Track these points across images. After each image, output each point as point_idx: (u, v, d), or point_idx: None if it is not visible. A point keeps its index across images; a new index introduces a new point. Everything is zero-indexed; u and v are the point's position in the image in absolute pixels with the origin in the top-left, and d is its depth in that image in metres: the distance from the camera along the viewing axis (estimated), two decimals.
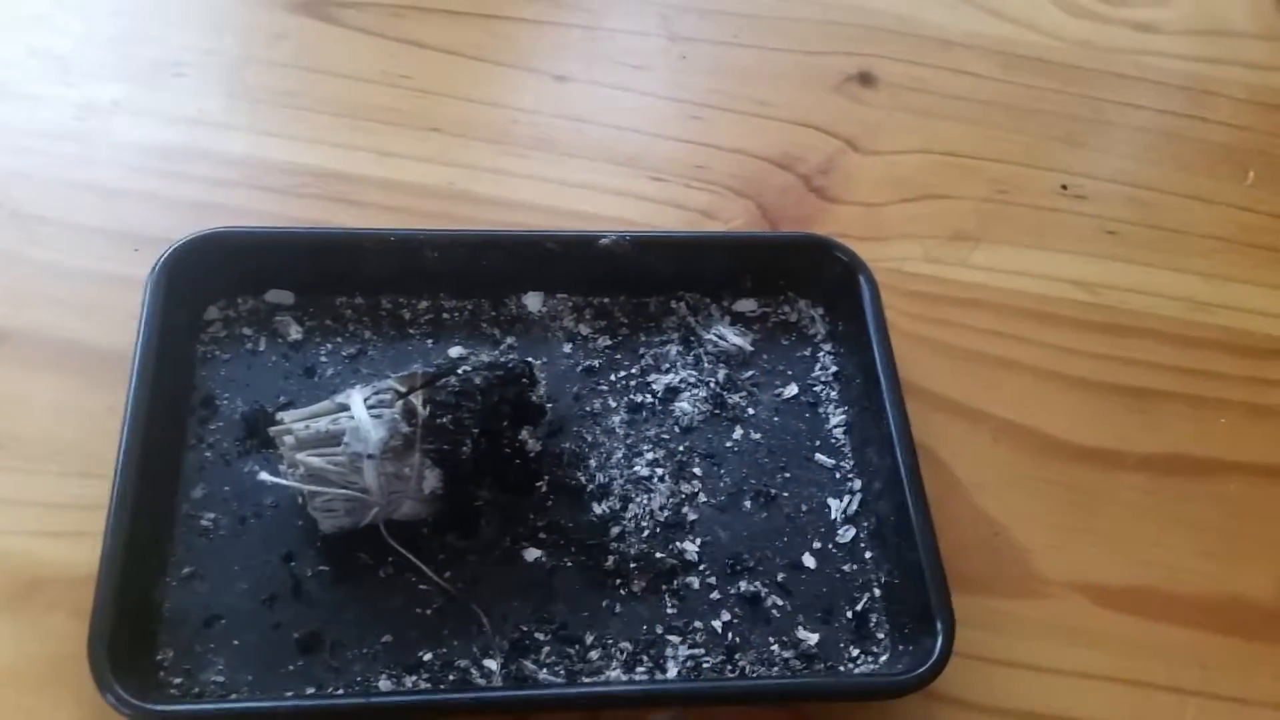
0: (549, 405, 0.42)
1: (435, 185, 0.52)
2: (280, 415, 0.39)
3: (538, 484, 0.41)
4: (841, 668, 0.40)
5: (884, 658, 0.40)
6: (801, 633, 0.40)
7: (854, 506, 0.44)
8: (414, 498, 0.39)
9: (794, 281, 0.49)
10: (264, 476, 0.38)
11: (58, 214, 0.49)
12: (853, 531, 0.43)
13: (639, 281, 0.48)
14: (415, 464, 0.38)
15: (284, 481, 0.38)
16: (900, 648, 0.40)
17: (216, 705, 0.36)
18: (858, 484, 0.44)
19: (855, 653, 0.40)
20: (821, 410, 0.46)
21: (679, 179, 0.54)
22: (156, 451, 0.40)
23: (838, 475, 0.45)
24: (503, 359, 0.42)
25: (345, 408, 0.38)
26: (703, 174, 0.54)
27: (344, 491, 0.37)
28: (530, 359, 0.42)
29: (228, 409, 0.43)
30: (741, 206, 0.53)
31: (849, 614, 0.41)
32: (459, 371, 0.39)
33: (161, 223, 0.48)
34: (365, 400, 0.38)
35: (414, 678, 0.38)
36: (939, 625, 0.38)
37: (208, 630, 0.38)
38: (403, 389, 0.39)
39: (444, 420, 0.38)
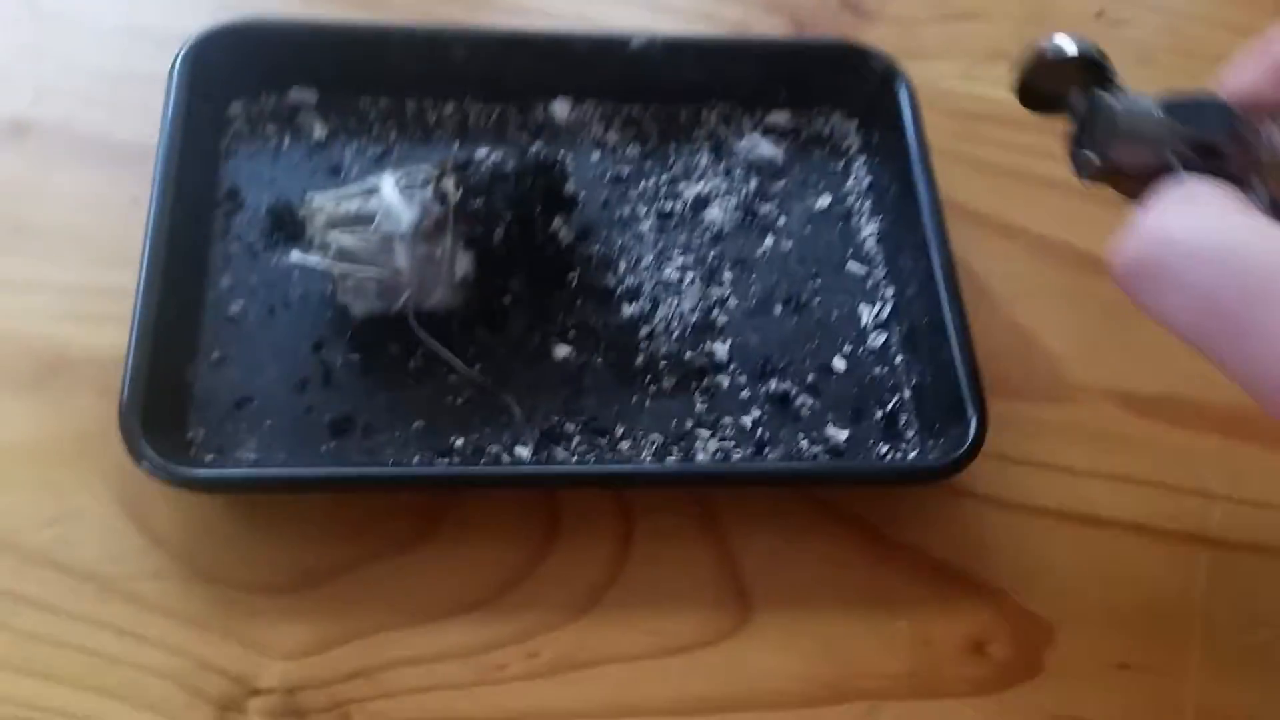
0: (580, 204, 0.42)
1: None
2: (310, 195, 0.39)
3: (569, 276, 0.41)
4: (871, 464, 0.40)
5: (912, 454, 0.41)
6: (830, 430, 0.41)
7: (885, 312, 0.44)
8: (445, 284, 0.39)
9: (829, 93, 0.48)
10: (294, 255, 0.38)
11: (78, 10, 0.48)
12: (884, 336, 0.43)
13: (669, 89, 0.47)
14: (447, 247, 0.38)
15: (313, 260, 0.38)
16: (930, 442, 0.40)
17: (257, 471, 0.36)
18: (890, 291, 0.44)
19: (884, 449, 0.41)
20: (854, 221, 0.46)
21: None
22: (183, 241, 0.40)
23: (869, 283, 0.45)
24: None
25: (376, 190, 0.38)
26: None
27: (374, 272, 0.38)
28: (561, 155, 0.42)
29: (252, 203, 0.43)
30: (774, 23, 0.52)
31: (878, 414, 0.41)
32: (491, 158, 0.39)
33: (185, 21, 0.47)
34: (397, 182, 0.38)
35: (446, 460, 0.38)
36: (970, 415, 0.39)
37: (239, 411, 0.38)
38: (435, 172, 0.39)
39: (477, 204, 0.38)
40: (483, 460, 0.39)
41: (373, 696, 0.36)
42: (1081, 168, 0.33)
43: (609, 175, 0.46)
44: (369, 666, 0.36)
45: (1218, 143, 0.31)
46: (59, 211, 0.43)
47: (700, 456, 0.39)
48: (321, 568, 0.37)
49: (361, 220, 0.38)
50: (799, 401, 0.41)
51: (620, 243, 0.44)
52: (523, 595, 0.38)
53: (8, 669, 0.35)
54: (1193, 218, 0.28)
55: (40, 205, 0.43)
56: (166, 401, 0.37)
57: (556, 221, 0.39)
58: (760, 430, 0.40)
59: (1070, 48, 0.32)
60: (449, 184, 0.38)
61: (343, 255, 0.37)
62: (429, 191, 0.38)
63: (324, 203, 0.38)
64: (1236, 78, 0.32)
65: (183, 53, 0.43)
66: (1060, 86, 0.33)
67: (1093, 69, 0.32)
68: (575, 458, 0.39)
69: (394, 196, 0.38)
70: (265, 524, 0.38)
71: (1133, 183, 0.32)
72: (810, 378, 0.42)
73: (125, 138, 0.44)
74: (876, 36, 0.53)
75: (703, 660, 0.37)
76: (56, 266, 0.42)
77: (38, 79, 0.46)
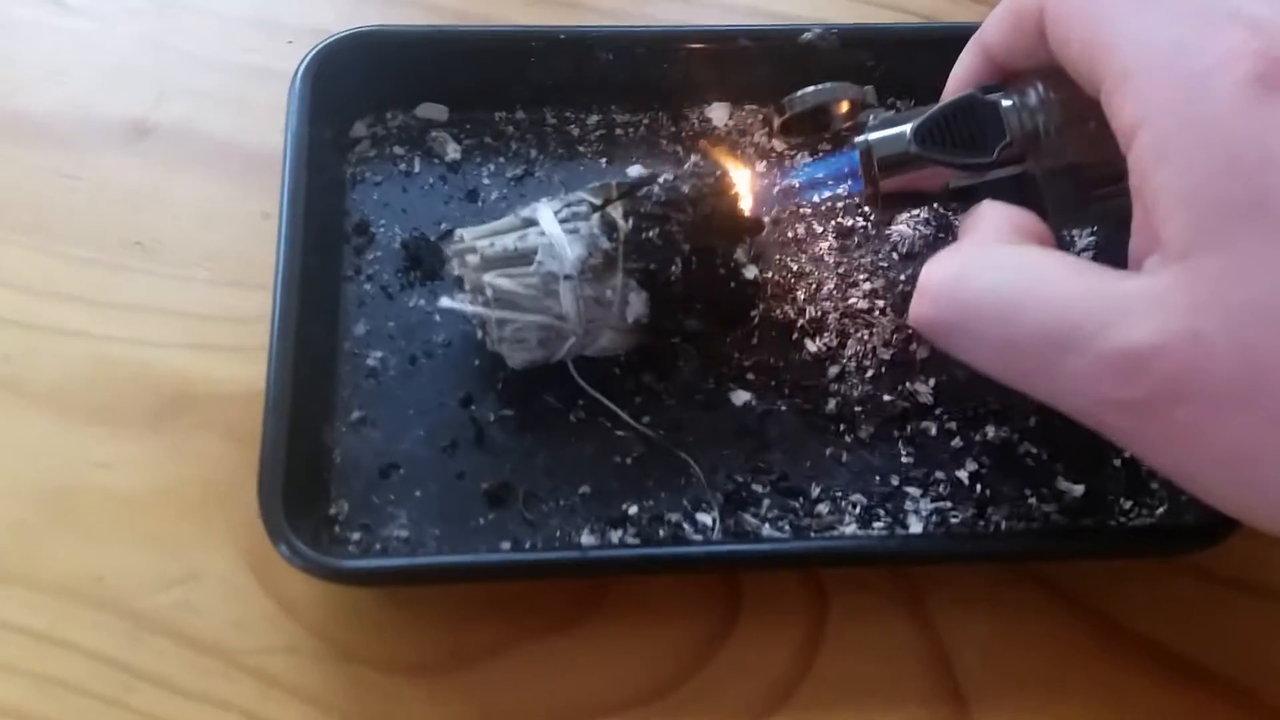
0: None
1: None
2: (458, 232, 0.35)
3: (753, 312, 0.37)
4: (1113, 522, 0.35)
5: (1160, 509, 0.35)
6: (1063, 483, 0.36)
7: None
8: (614, 327, 0.34)
9: None
10: (444, 302, 0.34)
11: (202, 1, 0.45)
12: None
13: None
14: (618, 286, 0.34)
15: (468, 308, 0.34)
16: (1182, 496, 0.35)
17: (409, 560, 0.33)
18: None
19: (1127, 505, 0.35)
20: (1069, 231, 0.41)
21: None
22: (315, 284, 0.36)
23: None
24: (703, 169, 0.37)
25: (533, 223, 0.34)
26: None
27: (537, 318, 0.33)
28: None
29: (385, 237, 0.39)
30: (973, 11, 0.47)
31: (1116, 461, 0.36)
32: (661, 180, 0.35)
33: (317, 13, 0.44)
34: (556, 213, 0.34)
35: (619, 532, 0.34)
36: None
37: (384, 480, 0.35)
38: (598, 201, 0.34)
39: (650, 234, 0.34)
40: (662, 530, 0.34)
41: None
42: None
43: (777, 188, 0.41)
44: None
45: (978, 161, 0.32)
46: (182, 225, 0.40)
47: (913, 521, 0.35)
48: (471, 649, 0.33)
49: (519, 259, 0.33)
50: (1022, 449, 0.36)
51: (797, 267, 0.39)
52: (699, 689, 0.33)
53: None
54: (974, 274, 0.29)
55: (162, 217, 0.40)
56: (307, 473, 0.33)
57: (739, 252, 0.35)
58: (979, 486, 0.36)
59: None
60: (617, 213, 0.34)
61: (500, 300, 0.33)
62: (594, 223, 0.34)
63: (475, 240, 0.34)
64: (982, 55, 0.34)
65: (302, 68, 0.39)
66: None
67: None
68: (767, 525, 0.35)
69: (555, 230, 0.33)
70: (410, 598, 0.34)
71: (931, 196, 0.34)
72: (1032, 420, 0.37)
73: (255, 142, 0.41)
74: None
75: None
76: (179, 288, 0.39)
77: (160, 76, 0.43)
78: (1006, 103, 0.32)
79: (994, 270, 0.29)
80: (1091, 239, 0.40)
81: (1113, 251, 0.36)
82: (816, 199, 0.38)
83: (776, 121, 0.39)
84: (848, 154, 0.35)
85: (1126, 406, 0.26)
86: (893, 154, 0.33)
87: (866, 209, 0.40)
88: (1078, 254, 0.39)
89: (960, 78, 0.34)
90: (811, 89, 0.37)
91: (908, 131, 0.33)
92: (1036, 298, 0.28)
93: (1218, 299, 0.25)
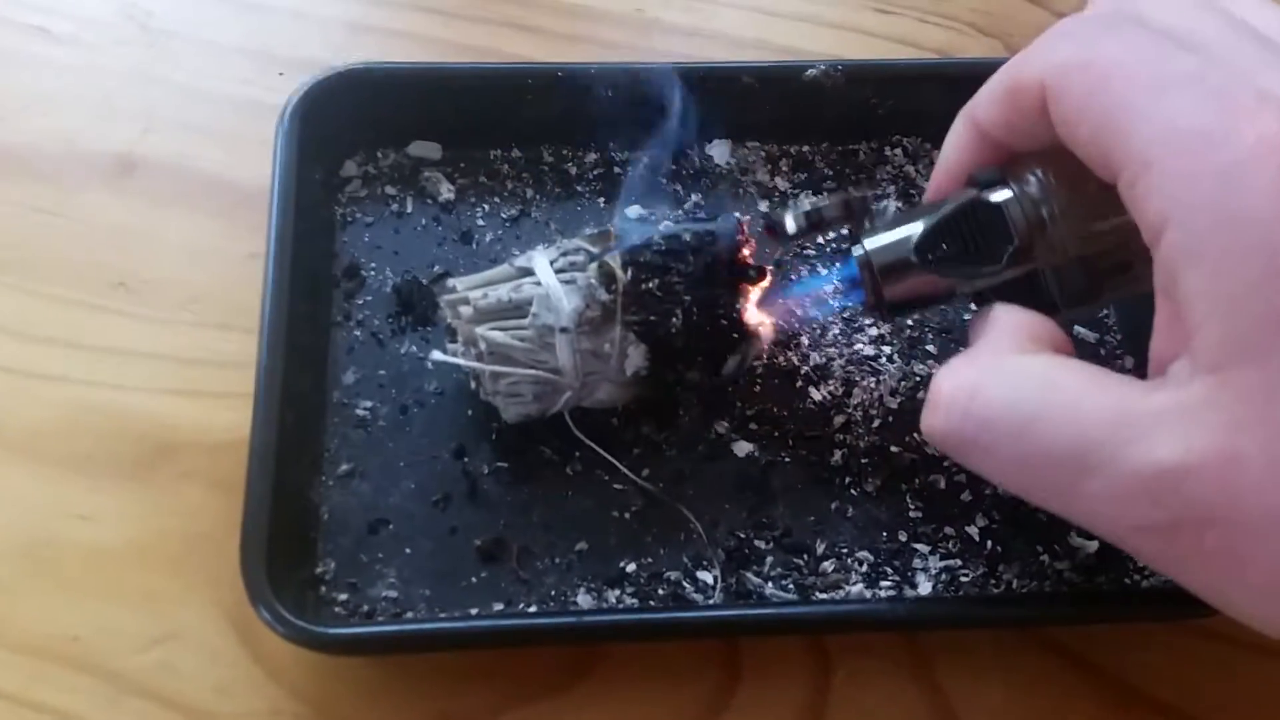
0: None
1: (620, 12, 0.46)
2: (451, 282, 0.34)
3: (756, 364, 0.36)
4: (1126, 579, 0.34)
5: None
6: (1076, 539, 0.35)
7: None
8: (612, 380, 0.34)
9: None
10: (436, 355, 0.34)
11: (193, 29, 0.44)
12: None
13: (847, 124, 0.42)
14: (616, 339, 0.33)
15: (460, 362, 0.33)
16: None
17: (395, 627, 0.32)
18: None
19: (1141, 562, 0.35)
20: None
21: (912, 11, 0.47)
22: (303, 329, 0.35)
23: (1102, 351, 0.39)
24: (702, 216, 0.36)
25: (528, 272, 0.33)
26: (941, 6, 0.48)
27: (532, 372, 0.33)
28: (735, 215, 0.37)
29: (376, 280, 0.38)
30: (986, 46, 0.47)
31: None
32: (661, 228, 0.34)
33: (309, 44, 0.44)
34: (552, 263, 0.33)
35: (617, 591, 0.33)
36: None
37: (373, 537, 0.34)
38: (595, 249, 0.34)
39: (650, 286, 0.33)
40: (661, 589, 0.33)
41: None
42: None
43: (777, 262, 0.40)
44: None
45: (987, 270, 0.31)
46: (167, 265, 0.39)
47: (922, 580, 0.34)
48: (460, 713, 0.32)
49: (514, 311, 0.33)
50: (1032, 505, 0.35)
51: (800, 312, 0.39)
52: None
53: None
54: (989, 388, 0.28)
55: (146, 257, 0.39)
56: (292, 530, 0.33)
57: (741, 301, 0.34)
58: (990, 542, 0.35)
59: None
60: (615, 263, 0.33)
61: (494, 354, 0.33)
62: (592, 273, 0.33)
63: (468, 290, 0.33)
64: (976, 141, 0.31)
65: (291, 106, 0.38)
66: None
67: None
68: (770, 584, 0.34)
69: (551, 281, 0.33)
70: (397, 663, 0.33)
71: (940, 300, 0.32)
72: None
73: (243, 178, 0.41)
74: None
75: None
76: (163, 331, 0.38)
77: (148, 108, 0.42)
78: (1008, 198, 0.30)
79: (1009, 384, 0.27)
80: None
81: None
82: (819, 314, 0.36)
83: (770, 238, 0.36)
84: (846, 264, 0.33)
85: (1152, 529, 0.25)
86: (894, 263, 0.31)
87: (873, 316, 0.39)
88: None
89: (953, 158, 0.32)
90: (808, 203, 0.35)
91: (909, 241, 0.31)
92: (1054, 414, 0.26)
93: (1256, 417, 0.23)
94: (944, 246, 0.31)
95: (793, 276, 0.39)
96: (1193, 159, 0.24)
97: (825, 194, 0.37)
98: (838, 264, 0.33)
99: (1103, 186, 0.27)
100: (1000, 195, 0.30)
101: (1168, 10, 0.27)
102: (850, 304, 0.34)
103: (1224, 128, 0.24)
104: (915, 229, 0.31)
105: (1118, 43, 0.26)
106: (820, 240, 0.40)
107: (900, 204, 0.41)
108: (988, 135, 0.31)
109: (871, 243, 0.32)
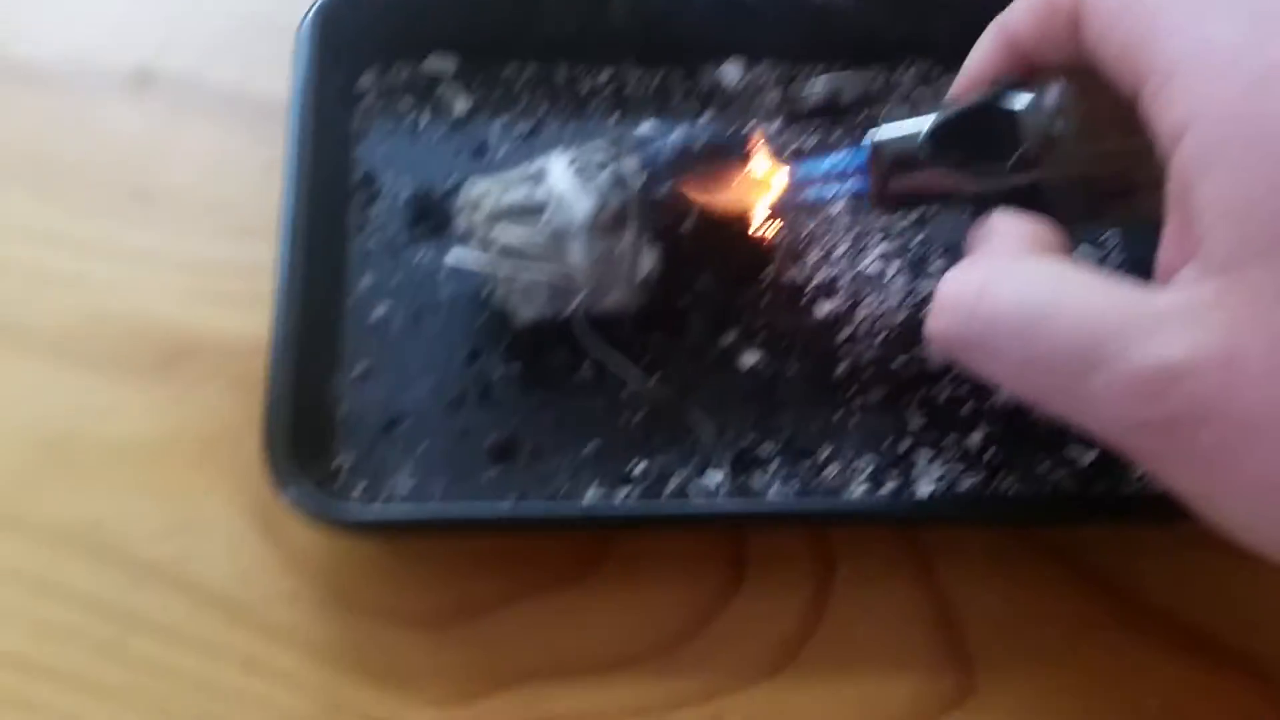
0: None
1: None
2: (468, 183, 0.35)
3: (765, 271, 0.37)
4: (1125, 489, 0.36)
5: None
6: (1073, 450, 0.36)
7: None
8: (624, 284, 0.35)
9: None
10: (452, 257, 0.35)
11: None
12: None
13: (859, 46, 0.43)
14: (630, 241, 0.34)
15: (474, 262, 0.34)
16: None
17: (415, 509, 0.33)
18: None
19: (1139, 472, 0.36)
20: None
21: None
22: (320, 236, 0.36)
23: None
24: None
25: (544, 175, 0.34)
26: None
27: (546, 272, 0.34)
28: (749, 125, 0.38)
29: (391, 190, 0.39)
30: None
31: None
32: (676, 134, 0.35)
33: None
34: (568, 166, 0.34)
35: (626, 489, 0.35)
36: None
37: (389, 434, 0.35)
38: (611, 154, 0.35)
39: (663, 189, 0.34)
40: (668, 489, 0.35)
41: None
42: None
43: (790, 149, 0.41)
44: None
45: (992, 171, 0.31)
46: (186, 175, 0.40)
47: (923, 485, 0.35)
48: (473, 602, 0.34)
49: (529, 211, 0.34)
50: (1033, 415, 0.37)
51: (808, 229, 0.40)
52: (703, 647, 0.34)
53: (116, 700, 0.32)
54: (995, 289, 0.28)
55: (166, 167, 0.40)
56: (311, 424, 0.34)
57: (751, 209, 0.35)
58: (990, 452, 0.36)
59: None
60: (630, 166, 0.34)
61: (508, 253, 0.34)
62: (607, 175, 0.34)
63: (485, 191, 0.34)
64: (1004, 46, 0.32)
65: (309, 17, 0.39)
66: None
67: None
68: (775, 486, 0.35)
69: (567, 182, 0.34)
70: (413, 550, 0.35)
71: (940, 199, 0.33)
72: None
73: (259, 91, 0.42)
74: None
75: None
76: (184, 238, 0.39)
77: (164, 23, 0.43)
78: (1025, 105, 0.31)
79: (1016, 285, 0.28)
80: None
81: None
82: (821, 196, 0.37)
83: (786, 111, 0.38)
84: (855, 150, 0.34)
85: (1150, 426, 0.25)
86: (903, 154, 0.32)
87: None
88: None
89: (978, 66, 0.33)
90: (824, 76, 0.36)
91: (920, 133, 0.32)
92: (1061, 313, 0.27)
93: (1260, 317, 0.24)
94: (955, 142, 0.32)
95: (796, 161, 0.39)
96: (1220, 68, 0.25)
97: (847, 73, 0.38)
98: (847, 150, 0.34)
99: (1121, 107, 0.28)
100: (1018, 100, 0.31)
101: None
102: (855, 191, 0.34)
103: (1257, 42, 0.25)
104: (929, 121, 0.32)
105: None
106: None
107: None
108: (1017, 46, 0.32)
109: (882, 132, 0.33)
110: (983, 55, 0.33)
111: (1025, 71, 0.32)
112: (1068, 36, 0.29)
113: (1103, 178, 0.31)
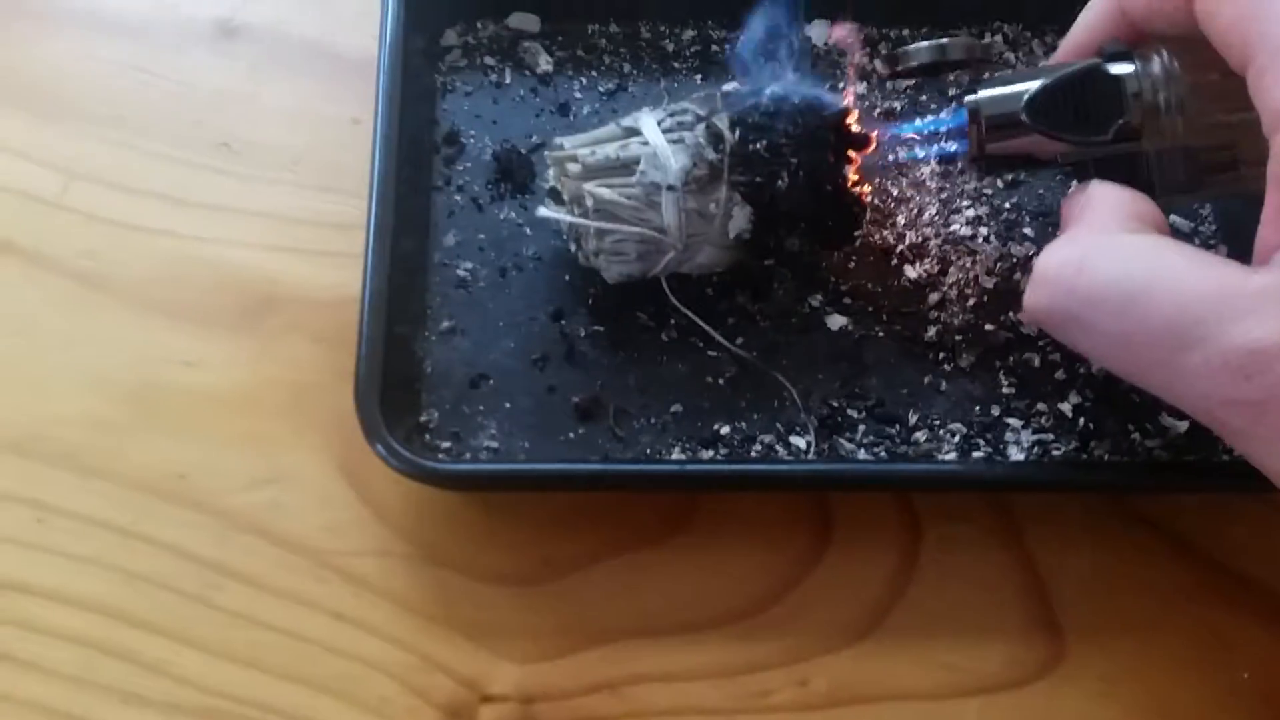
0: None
1: None
2: (558, 140, 0.35)
3: (857, 232, 0.37)
4: (1216, 459, 0.35)
5: None
6: (1167, 419, 0.36)
7: None
8: (715, 243, 0.35)
9: None
10: (543, 211, 0.35)
11: None
12: None
13: (947, 9, 0.42)
14: (722, 199, 0.34)
15: (566, 218, 0.34)
16: None
17: (506, 465, 0.33)
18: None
19: None
20: None
21: None
22: (407, 192, 0.37)
23: (1197, 241, 0.39)
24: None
25: (635, 132, 0.34)
26: None
27: (637, 230, 0.34)
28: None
29: (475, 148, 0.39)
30: None
31: None
32: (769, 92, 0.34)
33: None
34: (659, 123, 0.34)
35: (711, 452, 0.35)
36: None
37: (474, 391, 0.35)
38: (703, 111, 0.34)
39: (757, 146, 0.34)
40: (754, 452, 0.35)
41: (619, 716, 0.33)
42: (968, 164, 0.35)
43: (878, 110, 0.41)
44: (614, 679, 0.33)
45: (1092, 139, 0.31)
46: (270, 128, 0.41)
47: (1014, 452, 0.35)
48: (559, 560, 0.34)
49: (620, 169, 0.34)
50: (1126, 384, 0.36)
51: (897, 192, 0.39)
52: (789, 609, 0.34)
53: (207, 651, 0.33)
54: (1095, 265, 0.28)
55: (250, 120, 0.41)
56: (399, 379, 0.34)
57: (846, 169, 0.35)
58: (1082, 420, 0.36)
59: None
60: (723, 124, 0.34)
61: (599, 210, 0.34)
62: (700, 133, 0.34)
63: (576, 148, 0.34)
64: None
65: None
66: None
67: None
68: (863, 450, 0.35)
69: (659, 140, 0.33)
70: (500, 506, 0.35)
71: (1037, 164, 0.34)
72: None
73: (343, 46, 0.42)
74: None
75: (1008, 704, 0.33)
76: (269, 190, 0.39)
77: None
78: (1129, 74, 0.31)
79: (1116, 260, 0.28)
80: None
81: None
82: (919, 155, 0.37)
83: (886, 71, 0.39)
84: (956, 112, 0.34)
85: (1242, 405, 0.26)
86: (1002, 117, 0.32)
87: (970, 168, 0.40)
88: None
89: (1085, 32, 0.33)
90: (926, 44, 0.35)
91: (1021, 96, 0.32)
92: (1159, 291, 0.27)
93: None
94: (1056, 108, 0.31)
95: (896, 121, 0.39)
96: None
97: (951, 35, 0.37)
98: (948, 110, 0.34)
99: (1227, 81, 0.28)
100: (1122, 68, 0.31)
101: None
102: (953, 152, 0.34)
103: None
104: (1030, 86, 0.32)
105: None
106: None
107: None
108: (1126, 14, 0.31)
109: (985, 93, 0.33)
110: (1091, 21, 0.33)
111: (1131, 40, 0.32)
112: (1181, 8, 0.29)
113: (1204, 151, 0.31)
